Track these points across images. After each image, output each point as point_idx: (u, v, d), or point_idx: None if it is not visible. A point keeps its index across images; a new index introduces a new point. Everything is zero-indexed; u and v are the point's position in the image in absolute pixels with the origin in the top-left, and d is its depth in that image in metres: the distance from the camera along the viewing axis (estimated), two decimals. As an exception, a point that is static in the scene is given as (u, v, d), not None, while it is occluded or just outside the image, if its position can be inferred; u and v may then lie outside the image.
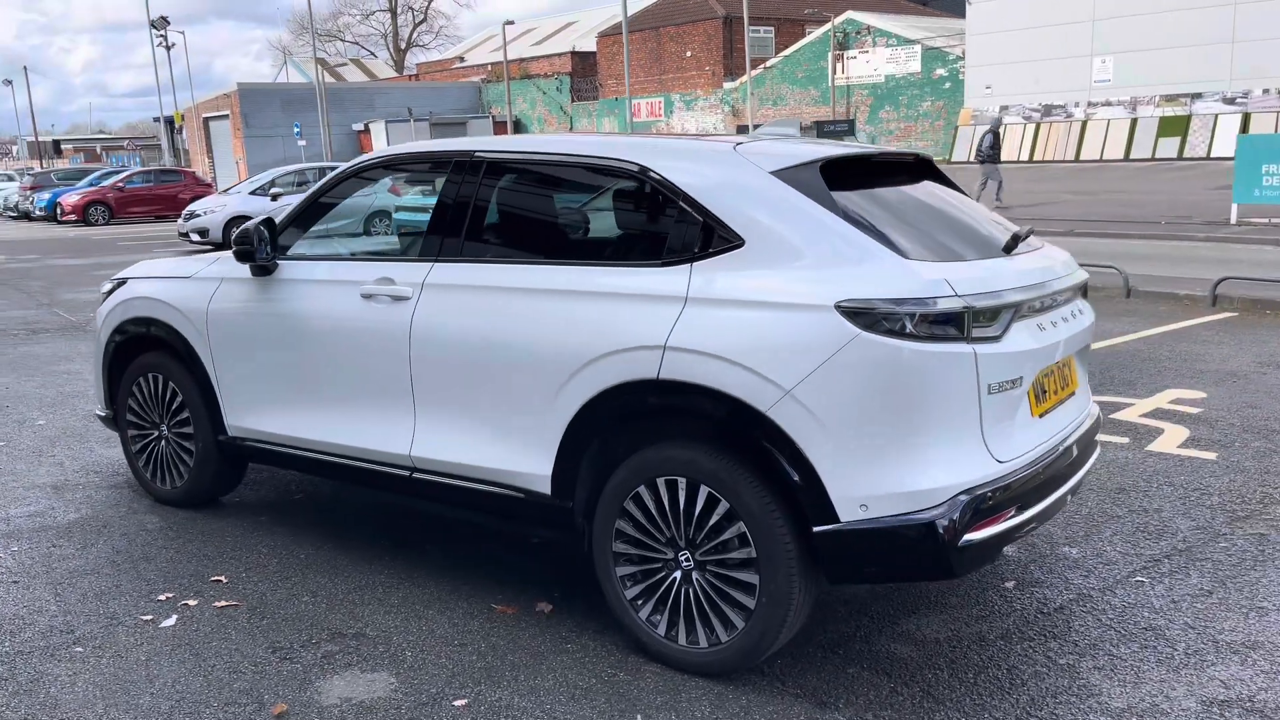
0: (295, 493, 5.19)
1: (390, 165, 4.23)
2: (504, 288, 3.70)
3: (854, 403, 3.02)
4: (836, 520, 3.05)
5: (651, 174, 3.48)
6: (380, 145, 43.28)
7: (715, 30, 47.72)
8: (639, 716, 3.09)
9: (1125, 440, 5.76)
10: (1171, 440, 5.70)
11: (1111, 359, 7.65)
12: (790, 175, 3.31)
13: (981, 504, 3.04)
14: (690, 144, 3.68)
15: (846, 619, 3.73)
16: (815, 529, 3.08)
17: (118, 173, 31.98)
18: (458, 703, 3.17)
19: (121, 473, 5.43)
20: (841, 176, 3.44)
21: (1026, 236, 3.74)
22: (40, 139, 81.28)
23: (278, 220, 4.49)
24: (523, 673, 3.35)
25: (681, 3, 49.57)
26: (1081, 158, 34.35)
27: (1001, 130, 26.47)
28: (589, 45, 54.38)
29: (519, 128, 53.25)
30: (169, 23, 39.83)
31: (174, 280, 4.80)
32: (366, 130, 52.22)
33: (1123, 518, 4.65)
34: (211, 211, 20.14)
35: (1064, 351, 3.49)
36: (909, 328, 2.98)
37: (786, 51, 45.03)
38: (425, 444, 3.90)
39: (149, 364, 4.91)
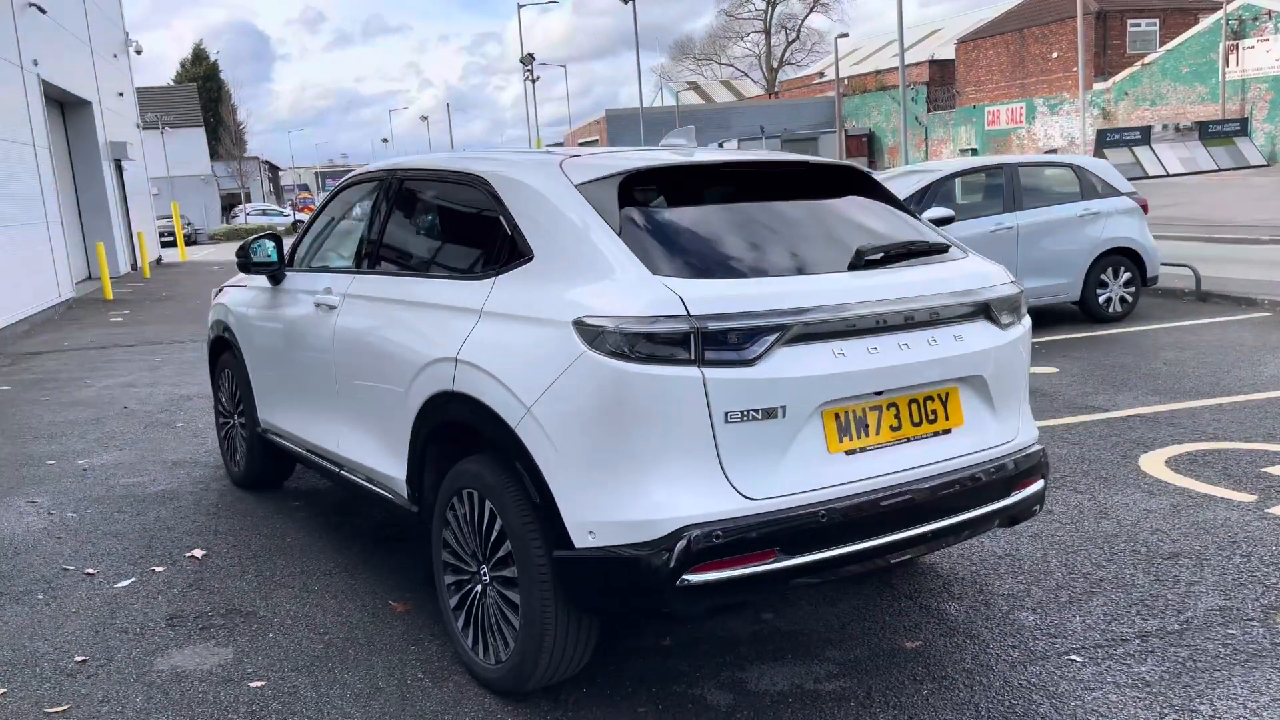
0: (326, 482, 5.68)
1: (357, 183, 4.56)
2: (385, 298, 3.89)
3: (580, 425, 2.87)
4: (571, 546, 2.91)
5: (488, 187, 3.50)
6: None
7: (1087, 27, 43.90)
8: (399, 722, 3.14)
9: (1249, 498, 4.74)
10: (1300, 501, 4.61)
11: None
12: (591, 188, 3.19)
13: (709, 542, 2.75)
14: (528, 158, 3.65)
15: (682, 655, 3.48)
16: (554, 553, 2.96)
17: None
18: (254, 684, 3.38)
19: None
20: (675, 187, 3.26)
21: (929, 250, 3.31)
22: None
23: (301, 231, 5.01)
24: (341, 665, 3.49)
25: (1049, 1, 46.17)
26: None
27: None
28: (948, 53, 52.26)
29: (872, 141, 52.37)
30: (534, 59, 44.00)
31: (237, 288, 5.48)
32: (720, 149, 53.91)
33: (1137, 586, 3.87)
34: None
35: (909, 380, 3.05)
36: (630, 348, 2.78)
37: (1169, 45, 40.41)
38: (343, 443, 4.18)
39: (223, 361, 5.64)
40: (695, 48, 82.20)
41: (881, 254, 3.18)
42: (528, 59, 44.14)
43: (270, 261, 4.75)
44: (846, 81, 57.51)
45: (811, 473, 2.90)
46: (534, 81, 46.43)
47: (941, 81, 51.35)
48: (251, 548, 4.67)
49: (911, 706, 3.12)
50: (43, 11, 16.85)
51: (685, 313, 2.76)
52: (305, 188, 77.87)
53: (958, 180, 10.15)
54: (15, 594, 4.21)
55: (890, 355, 3.01)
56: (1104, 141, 35.90)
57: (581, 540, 2.88)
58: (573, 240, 3.10)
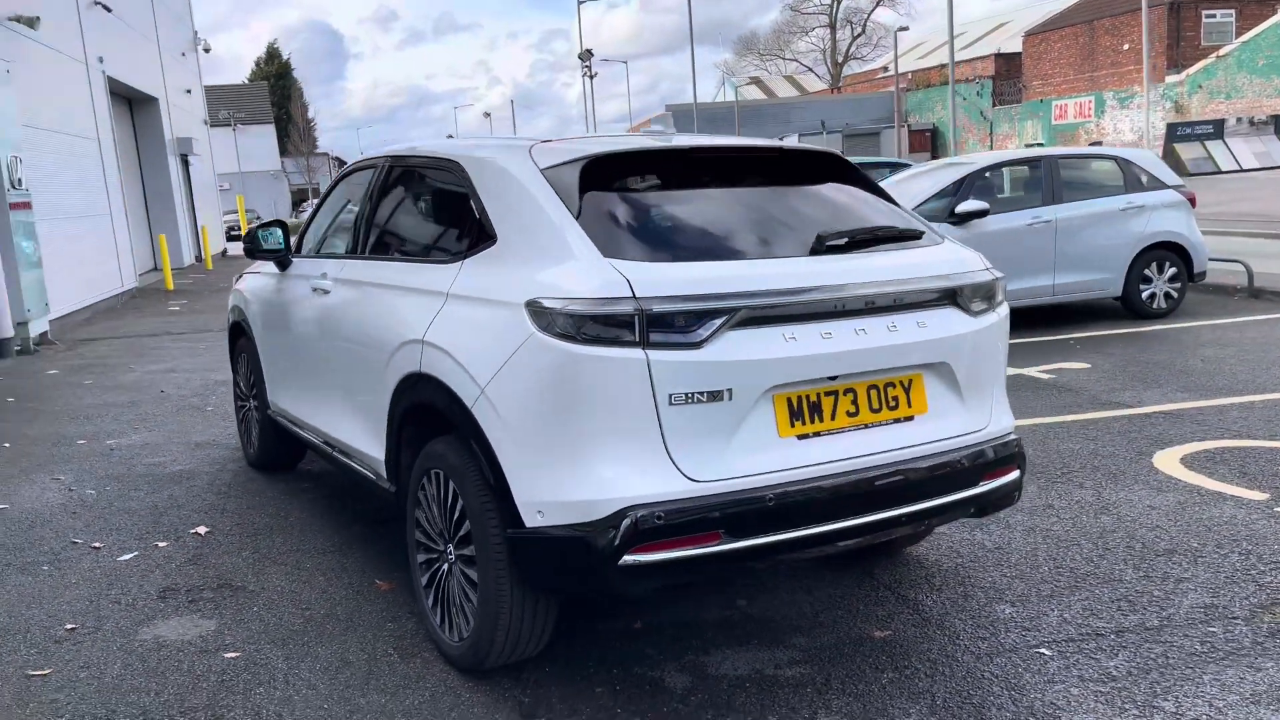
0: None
1: (356, 170, 4.65)
2: (368, 282, 3.97)
3: (529, 405, 2.90)
4: (522, 525, 2.95)
5: (462, 172, 3.55)
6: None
7: (1159, 19, 42.70)
8: (363, 698, 3.20)
9: (1261, 496, 4.61)
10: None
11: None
12: (555, 172, 3.21)
13: (652, 523, 2.76)
14: (500, 142, 3.68)
15: (650, 639, 3.48)
16: (508, 532, 3.00)
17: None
18: (229, 655, 3.48)
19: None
20: (641, 172, 3.28)
21: (899, 236, 3.29)
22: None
23: (307, 218, 5.12)
24: (317, 640, 3.57)
25: (1121, -9, 44.98)
26: None
27: None
28: (1015, 46, 51.22)
29: (936, 136, 51.56)
30: (592, 54, 44.21)
31: (253, 275, 5.62)
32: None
33: (1125, 582, 3.79)
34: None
35: (867, 365, 3.02)
36: (576, 329, 2.80)
37: (1245, 37, 39.11)
38: (335, 426, 4.27)
39: (240, 346, 5.79)
40: (760, 43, 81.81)
41: (844, 239, 3.16)
42: (585, 55, 44.38)
43: (277, 248, 4.87)
44: (910, 76, 56.70)
45: (760, 456, 2.90)
46: (592, 78, 46.72)
47: (1008, 75, 50.34)
48: (254, 526, 4.79)
49: (868, 694, 3.10)
50: (108, 9, 17.38)
51: (631, 295, 2.78)
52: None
53: (1000, 171, 9.98)
54: (23, 565, 4.38)
55: (845, 340, 2.99)
56: (1174, 135, 34.92)
57: (531, 519, 2.91)
58: (533, 223, 3.13)
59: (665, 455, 2.81)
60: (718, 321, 2.82)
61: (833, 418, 3.03)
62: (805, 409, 2.98)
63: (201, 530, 4.74)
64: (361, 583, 4.09)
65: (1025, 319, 9.28)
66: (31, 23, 12.56)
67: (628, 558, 2.76)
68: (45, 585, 4.14)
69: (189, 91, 25.63)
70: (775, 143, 3.64)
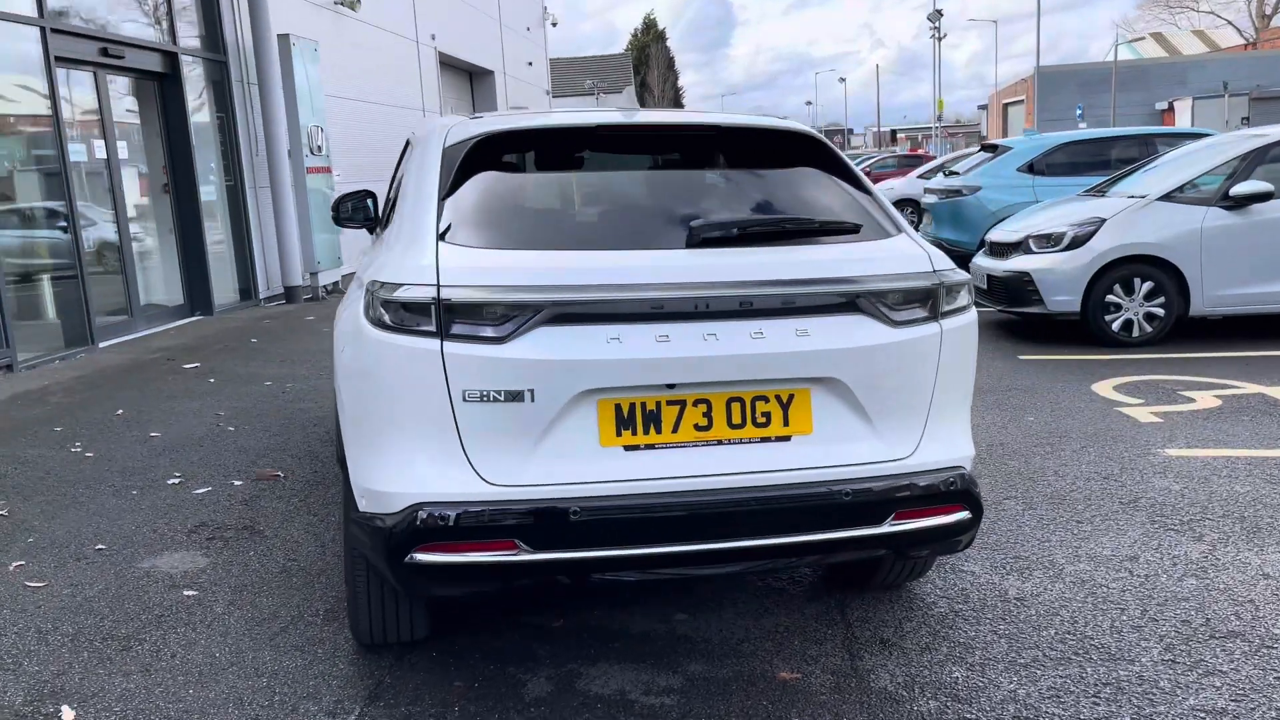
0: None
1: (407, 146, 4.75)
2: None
3: (349, 390, 2.90)
4: (357, 510, 2.93)
5: (406, 150, 3.54)
6: (1184, 124, 39.92)
7: None
8: (267, 683, 3.36)
9: None
10: None
11: None
12: (450, 151, 3.11)
13: (437, 523, 2.63)
14: (443, 121, 3.58)
15: (553, 640, 3.31)
16: (351, 514, 2.99)
17: (870, 158, 34.75)
18: (187, 592, 3.76)
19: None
20: (536, 152, 3.13)
21: (819, 231, 2.89)
22: (880, 129, 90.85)
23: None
24: (267, 591, 3.74)
25: None
26: None
27: None
28: None
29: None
30: (941, 14, 41.54)
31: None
32: (1170, 109, 47.85)
33: (1135, 664, 3.08)
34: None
35: (716, 375, 2.67)
36: (384, 316, 2.72)
37: None
38: None
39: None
40: (1171, -11, 73.00)
41: (727, 231, 2.80)
42: (935, 15, 42.01)
43: (352, 218, 5.14)
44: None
45: (574, 465, 2.66)
46: (940, 39, 44.15)
47: None
48: (324, 476, 5.14)
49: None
50: (443, -9, 19.07)
51: (434, 282, 2.65)
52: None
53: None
54: (122, 487, 5.01)
55: (687, 345, 2.64)
56: None
57: (360, 505, 2.89)
58: (412, 204, 3.06)
59: (462, 454, 2.66)
60: (526, 316, 2.61)
61: (675, 430, 2.70)
62: (638, 418, 2.68)
63: (279, 474, 5.16)
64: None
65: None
66: (352, 4, 14.07)
67: (416, 556, 2.65)
68: (121, 508, 4.71)
69: (530, 64, 27.49)
70: (720, 119, 3.25)
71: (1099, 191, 9.10)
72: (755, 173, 3.15)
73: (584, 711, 2.93)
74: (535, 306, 2.60)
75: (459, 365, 2.61)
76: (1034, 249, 8.19)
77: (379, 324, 2.71)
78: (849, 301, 2.76)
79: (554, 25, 29.88)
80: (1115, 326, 7.91)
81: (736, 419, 2.72)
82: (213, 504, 4.74)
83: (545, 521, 2.61)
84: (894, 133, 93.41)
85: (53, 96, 8.56)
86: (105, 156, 9.46)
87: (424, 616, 3.20)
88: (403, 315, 2.66)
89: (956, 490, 2.86)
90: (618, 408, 2.67)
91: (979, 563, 3.86)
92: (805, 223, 2.90)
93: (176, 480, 5.10)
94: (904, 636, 3.31)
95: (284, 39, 11.72)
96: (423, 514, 2.62)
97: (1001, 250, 8.55)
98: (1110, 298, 7.88)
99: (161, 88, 10.55)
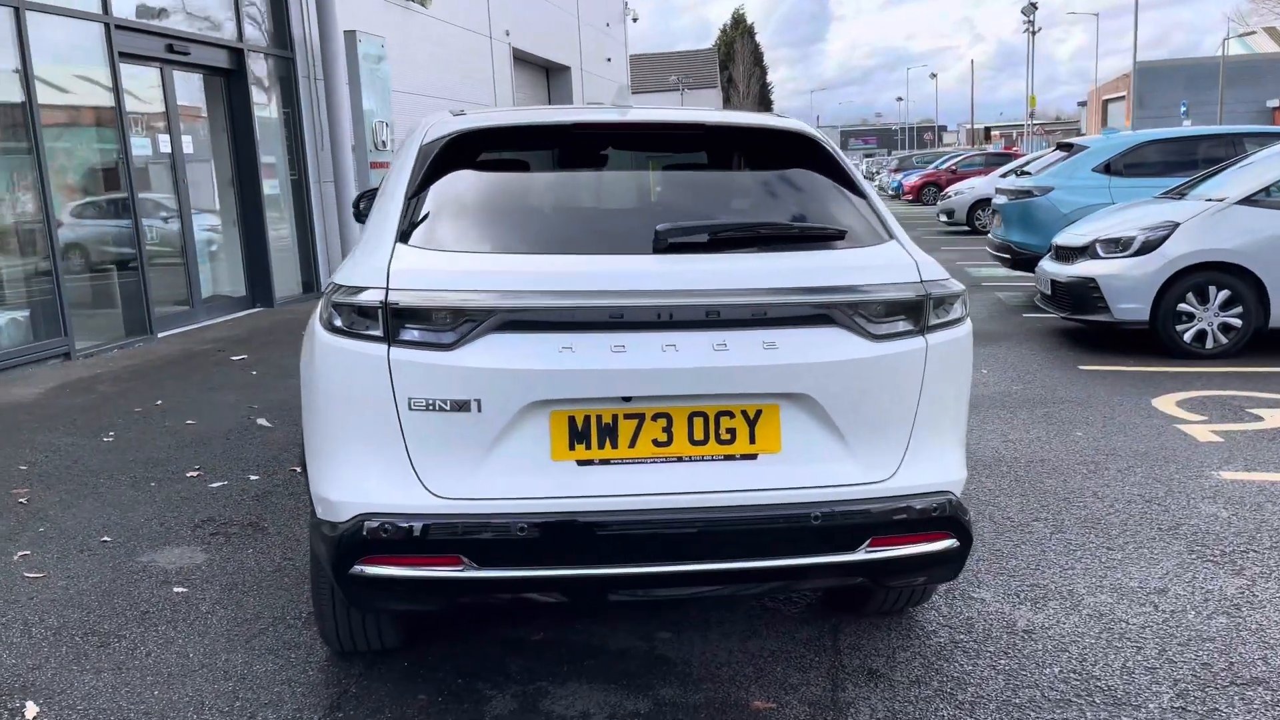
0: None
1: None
2: None
3: (309, 395, 2.81)
4: (314, 515, 2.86)
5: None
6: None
7: None
8: (232, 687, 3.32)
9: None
10: None
11: None
12: (426, 148, 3.01)
13: (380, 534, 2.53)
14: (439, 116, 3.48)
15: (528, 655, 3.20)
16: (313, 519, 2.92)
17: (957, 156, 33.84)
18: (177, 589, 3.75)
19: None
20: (511, 150, 3.02)
21: (800, 237, 2.73)
22: (974, 126, 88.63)
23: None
24: (255, 591, 3.71)
25: None
26: None
27: None
28: None
29: None
30: (1036, 7, 40.16)
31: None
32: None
33: (1139, 708, 2.84)
34: (960, 194, 20.56)
35: (675, 388, 2.52)
36: (334, 319, 2.63)
37: None
38: None
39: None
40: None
41: (685, 238, 2.64)
42: (1029, 9, 40.62)
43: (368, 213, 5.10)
44: None
45: (525, 480, 2.54)
46: (1034, 33, 42.70)
47: None
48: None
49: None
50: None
51: (383, 285, 2.55)
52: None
53: None
54: (141, 479, 5.06)
55: (644, 357, 2.50)
56: None
57: (316, 511, 2.81)
58: (380, 203, 2.99)
59: (408, 464, 2.56)
60: (474, 323, 2.50)
61: (632, 445, 2.56)
62: (593, 432, 2.55)
63: (297, 469, 5.16)
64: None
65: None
66: (424, 1, 14.18)
67: (359, 567, 2.57)
68: (136, 500, 4.76)
69: (609, 60, 27.46)
70: (710, 118, 3.08)
71: (1177, 194, 8.63)
72: (741, 174, 3.00)
73: (542, 734, 2.81)
74: (484, 312, 2.49)
75: (405, 372, 2.51)
76: (1101, 254, 7.80)
77: (330, 327, 2.63)
78: (822, 313, 2.58)
79: (635, 21, 29.82)
80: (1187, 337, 7.49)
81: (699, 435, 2.57)
82: (225, 498, 4.75)
83: (490, 537, 2.50)
84: (988, 130, 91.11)
85: (116, 91, 8.78)
86: (170, 151, 9.68)
87: (392, 626, 3.12)
88: (353, 318, 2.58)
89: (941, 516, 2.66)
90: (571, 420, 2.54)
91: (991, 589, 3.63)
92: (782, 228, 2.74)
93: (195, 473, 5.14)
94: (894, 668, 3.12)
95: (350, 35, 11.86)
96: (369, 525, 2.53)
97: (1067, 254, 8.17)
98: (1182, 306, 7.46)
99: (227, 83, 10.75)
